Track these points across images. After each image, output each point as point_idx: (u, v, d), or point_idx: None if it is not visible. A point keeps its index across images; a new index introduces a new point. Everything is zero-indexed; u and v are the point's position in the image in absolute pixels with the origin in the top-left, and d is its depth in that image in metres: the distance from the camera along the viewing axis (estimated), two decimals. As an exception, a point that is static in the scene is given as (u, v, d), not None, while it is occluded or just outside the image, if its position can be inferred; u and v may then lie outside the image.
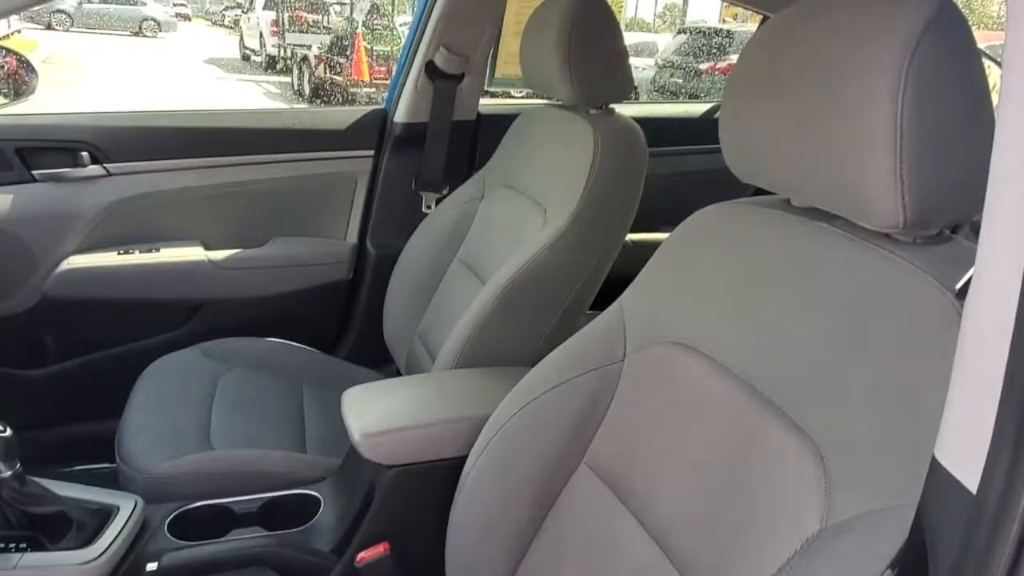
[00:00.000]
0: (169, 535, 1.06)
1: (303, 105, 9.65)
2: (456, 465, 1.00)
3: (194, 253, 1.63)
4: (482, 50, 1.69)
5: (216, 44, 15.82)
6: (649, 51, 11.12)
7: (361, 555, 1.01)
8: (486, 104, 1.81)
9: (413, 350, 1.56)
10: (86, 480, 1.14)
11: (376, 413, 1.05)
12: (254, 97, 10.46)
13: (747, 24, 9.27)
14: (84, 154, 1.52)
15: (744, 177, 0.80)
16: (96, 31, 14.73)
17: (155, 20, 15.62)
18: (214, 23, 21.73)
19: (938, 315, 0.61)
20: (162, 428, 1.25)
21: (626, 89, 1.34)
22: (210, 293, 1.64)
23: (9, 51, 1.70)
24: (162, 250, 1.61)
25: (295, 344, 1.63)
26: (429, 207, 1.73)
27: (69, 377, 1.59)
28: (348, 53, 9.55)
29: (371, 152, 1.74)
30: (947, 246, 0.68)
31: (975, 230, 0.45)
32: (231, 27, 18.15)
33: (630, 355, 0.91)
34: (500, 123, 1.60)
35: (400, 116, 1.72)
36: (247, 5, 15.04)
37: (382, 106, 1.78)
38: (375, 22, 10.47)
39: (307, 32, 11.91)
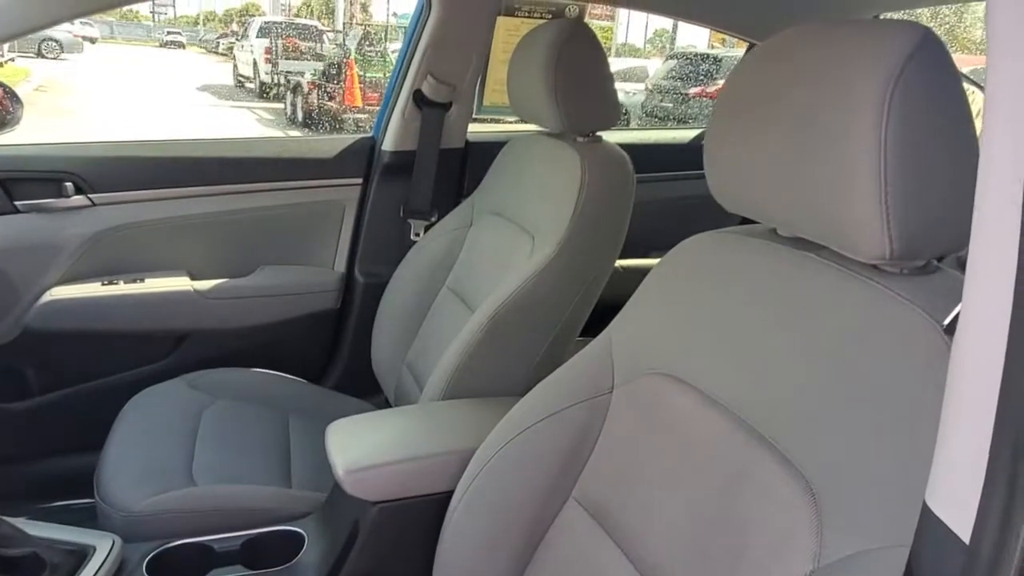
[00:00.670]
0: None
1: (296, 132, 9.69)
2: (443, 500, 0.98)
3: (180, 283, 1.61)
4: (470, 78, 1.69)
5: (210, 71, 15.93)
6: (639, 76, 11.23)
7: (345, 594, 0.99)
8: (475, 131, 1.80)
9: (402, 380, 1.54)
10: (66, 517, 1.11)
11: (360, 448, 1.03)
12: (248, 123, 10.51)
13: (734, 50, 9.39)
14: (68, 184, 1.51)
15: (729, 207, 0.79)
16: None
17: (57, 41, 15.06)
18: (208, 51, 21.94)
19: (928, 349, 0.60)
20: (143, 463, 1.23)
21: (613, 117, 1.34)
22: (196, 323, 1.62)
23: (-2, 85, 1.69)
24: (147, 280, 1.59)
25: (282, 374, 1.61)
26: (417, 235, 1.72)
27: (51, 410, 1.56)
28: (340, 80, 9.61)
29: (359, 180, 1.74)
30: (935, 277, 0.67)
31: (961, 264, 0.44)
32: (225, 54, 18.30)
33: (618, 387, 0.90)
34: (489, 151, 1.59)
35: (388, 144, 1.71)
36: (241, 33, 15.18)
37: (370, 134, 1.77)
38: (367, 49, 10.55)
39: (300, 59, 12.00)
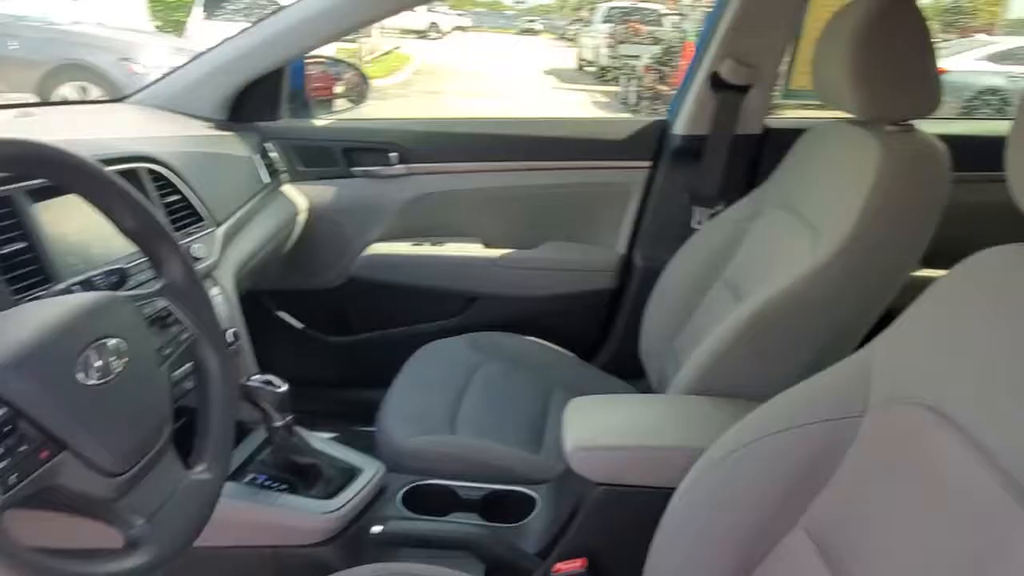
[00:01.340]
0: (400, 505, 1.16)
1: (626, 114, 9.90)
2: (664, 495, 0.94)
3: (474, 249, 1.77)
4: (774, 59, 1.57)
5: (556, 57, 16.96)
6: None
7: (558, 566, 1.01)
8: (778, 117, 1.68)
9: (665, 368, 1.51)
10: (348, 438, 1.30)
11: (593, 427, 1.04)
12: (583, 105, 11.01)
13: None
14: (393, 154, 1.74)
15: None
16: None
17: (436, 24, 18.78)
18: (558, 37, 23.32)
19: None
20: (416, 406, 1.38)
21: (930, 103, 1.15)
22: (483, 288, 1.77)
23: (350, 65, 2.00)
24: (447, 244, 1.77)
25: (554, 347, 1.68)
26: (700, 223, 1.66)
27: (359, 348, 1.83)
28: (675, 62, 9.57)
29: (647, 163, 1.72)
30: None
31: None
32: (572, 40, 19.34)
33: (871, 411, 0.78)
34: (789, 138, 1.47)
35: (679, 128, 1.67)
36: (588, 19, 15.89)
37: (663, 118, 1.75)
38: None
39: (638, 43, 12.19)
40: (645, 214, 1.73)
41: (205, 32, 7.83)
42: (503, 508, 1.17)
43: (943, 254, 1.25)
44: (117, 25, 7.27)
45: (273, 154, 1.68)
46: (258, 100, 1.64)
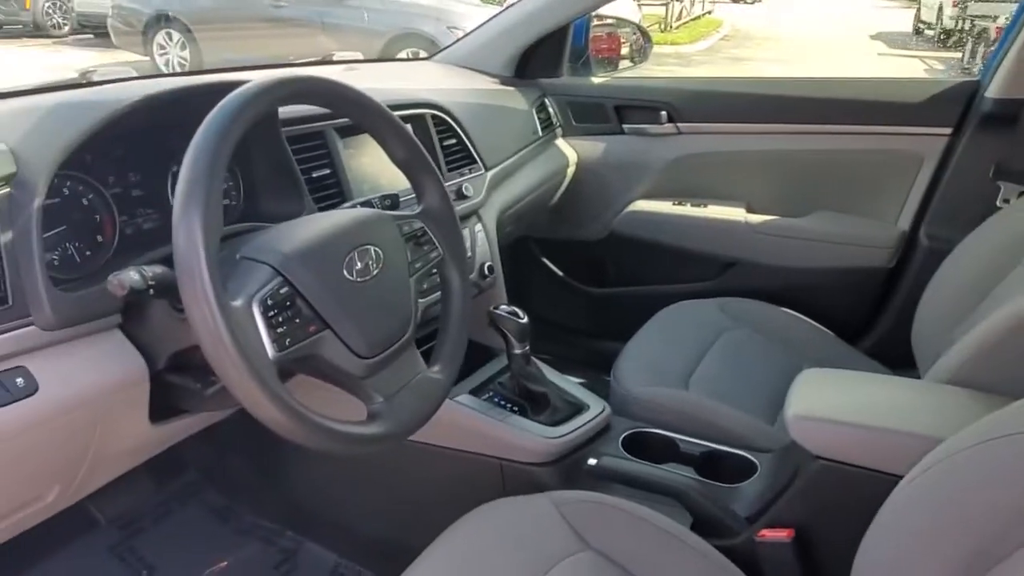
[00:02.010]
0: (620, 447, 1.21)
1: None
2: (888, 481, 0.87)
3: (736, 213, 1.72)
4: None
5: (890, 18, 15.16)
6: None
7: (764, 532, 0.99)
8: None
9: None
10: (591, 386, 1.37)
11: (820, 399, 0.99)
12: (909, 73, 9.76)
13: None
14: (663, 113, 1.75)
15: None
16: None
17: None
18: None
19: None
20: (654, 358, 1.40)
21: None
22: (742, 254, 1.72)
23: (638, 27, 2.03)
24: (709, 206, 1.75)
25: (811, 322, 1.58)
26: (1007, 201, 1.44)
27: (612, 301, 1.89)
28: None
29: (948, 130, 1.53)
30: None
31: None
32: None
33: None
34: None
35: (994, 90, 1.45)
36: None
37: (974, 79, 1.53)
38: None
39: (995, 1, 10.40)
40: (938, 187, 1.55)
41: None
42: (720, 468, 1.16)
43: None
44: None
45: (550, 109, 1.79)
46: (542, 58, 1.76)
